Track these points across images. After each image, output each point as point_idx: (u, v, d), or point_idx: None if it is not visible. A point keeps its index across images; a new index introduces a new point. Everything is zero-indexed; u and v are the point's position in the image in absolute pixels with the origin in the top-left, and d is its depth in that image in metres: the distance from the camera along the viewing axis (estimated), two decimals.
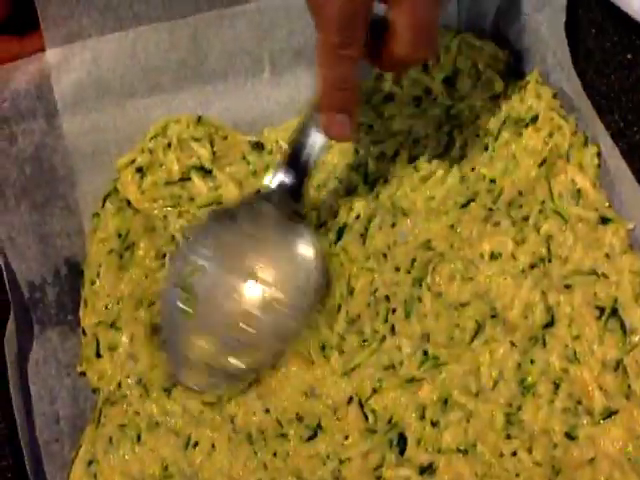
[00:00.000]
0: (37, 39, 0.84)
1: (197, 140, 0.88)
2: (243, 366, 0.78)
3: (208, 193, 0.87)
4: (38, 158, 0.86)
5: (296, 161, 0.79)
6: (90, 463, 0.78)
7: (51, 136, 0.86)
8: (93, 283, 0.84)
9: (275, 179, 0.80)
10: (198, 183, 0.87)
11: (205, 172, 0.88)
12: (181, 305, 0.78)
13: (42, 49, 0.84)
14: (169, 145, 0.87)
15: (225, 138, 0.89)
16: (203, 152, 0.88)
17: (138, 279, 0.83)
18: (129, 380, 0.80)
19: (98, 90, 0.87)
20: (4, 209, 0.84)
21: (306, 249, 0.80)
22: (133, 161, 0.88)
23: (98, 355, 0.81)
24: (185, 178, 0.88)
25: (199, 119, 0.89)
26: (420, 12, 0.70)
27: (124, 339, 0.81)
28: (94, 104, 0.87)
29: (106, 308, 0.82)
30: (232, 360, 0.77)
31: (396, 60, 0.72)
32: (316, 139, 0.78)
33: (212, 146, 0.89)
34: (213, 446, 0.78)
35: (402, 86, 0.92)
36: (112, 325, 0.82)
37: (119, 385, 0.80)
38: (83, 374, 0.81)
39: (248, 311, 0.77)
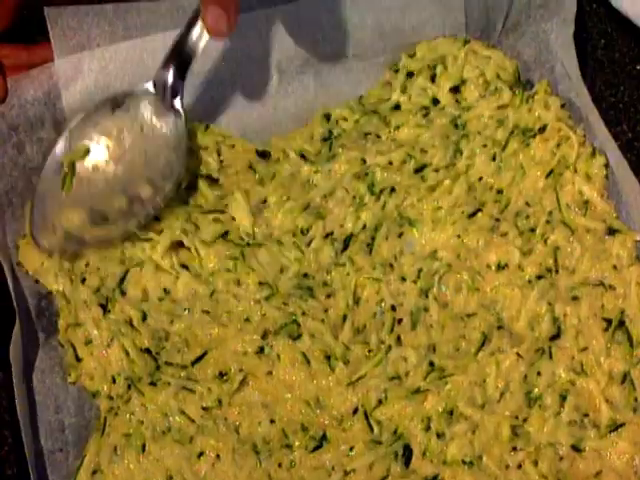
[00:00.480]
0: (45, 48, 0.84)
1: (204, 149, 0.88)
2: (99, 237, 0.82)
3: (214, 201, 0.87)
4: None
5: (177, 57, 0.81)
6: (94, 473, 0.78)
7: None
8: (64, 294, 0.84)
9: (157, 73, 0.82)
10: (205, 191, 0.87)
11: (212, 180, 0.88)
12: (60, 180, 0.82)
13: (50, 58, 0.84)
14: None
15: (232, 147, 0.89)
16: (210, 161, 0.88)
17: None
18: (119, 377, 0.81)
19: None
20: (11, 217, 0.84)
21: (174, 139, 0.83)
22: None
23: (77, 359, 0.81)
24: (191, 186, 0.87)
25: (206, 127, 0.89)
26: None
27: (89, 328, 0.81)
28: None
29: (70, 312, 0.83)
30: (98, 232, 0.82)
31: None
32: (196, 35, 0.79)
33: (219, 155, 0.89)
34: (218, 456, 0.78)
35: (409, 95, 0.91)
36: (77, 324, 0.82)
37: (113, 380, 0.80)
38: (74, 384, 0.81)
39: (118, 193, 0.82)
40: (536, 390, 0.80)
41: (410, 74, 0.92)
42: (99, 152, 0.82)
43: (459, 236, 0.86)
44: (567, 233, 0.85)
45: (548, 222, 0.86)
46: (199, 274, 0.84)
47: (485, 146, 0.88)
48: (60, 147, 0.82)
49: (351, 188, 0.88)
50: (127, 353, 0.80)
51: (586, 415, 0.79)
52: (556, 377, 0.80)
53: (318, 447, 0.78)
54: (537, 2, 0.90)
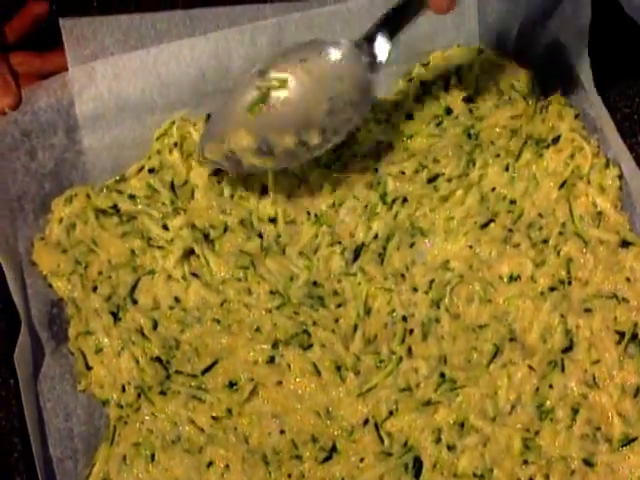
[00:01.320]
0: (59, 57, 0.85)
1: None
2: (256, 166, 0.84)
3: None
4: (57, 174, 0.86)
5: (391, 20, 0.80)
6: None
7: (71, 151, 0.87)
8: (74, 301, 0.84)
9: (367, 31, 0.81)
10: (198, 170, 0.87)
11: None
12: (250, 102, 0.83)
13: (64, 67, 0.85)
14: (175, 145, 0.87)
15: None
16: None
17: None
18: (129, 386, 0.80)
19: (119, 105, 0.87)
20: (23, 224, 0.84)
21: (361, 98, 0.82)
22: (142, 168, 0.88)
23: (88, 367, 0.81)
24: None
25: (208, 117, 0.89)
26: None
27: (100, 336, 0.81)
28: (114, 119, 0.87)
29: (80, 320, 0.83)
30: (255, 161, 0.83)
31: None
32: (416, 5, 0.79)
33: None
34: (227, 466, 0.78)
35: (423, 105, 0.91)
36: (88, 332, 0.82)
37: (123, 389, 0.80)
38: (84, 392, 0.81)
39: (291, 129, 0.83)
40: (548, 403, 0.79)
41: (423, 83, 0.92)
42: (293, 88, 0.83)
43: (471, 247, 0.85)
44: (580, 245, 0.84)
45: (561, 233, 0.85)
46: (210, 283, 0.84)
47: (498, 156, 0.88)
48: (256, 69, 0.84)
49: (362, 197, 0.87)
50: (137, 362, 0.80)
51: (598, 429, 0.78)
52: (568, 390, 0.79)
53: (328, 458, 0.78)
54: (552, 12, 0.90)
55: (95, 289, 0.83)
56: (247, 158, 0.83)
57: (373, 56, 0.81)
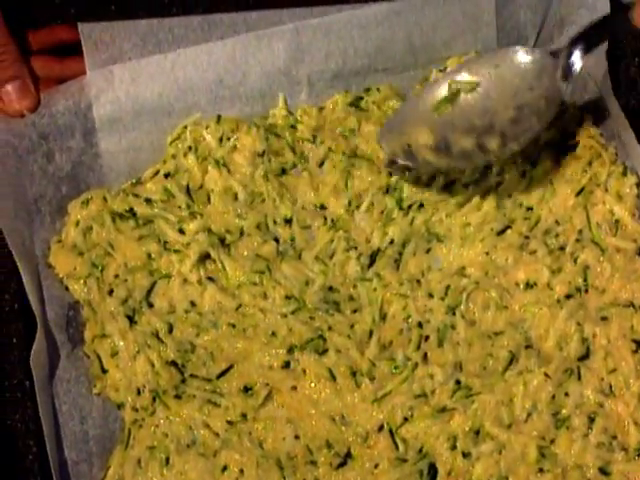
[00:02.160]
0: (77, 61, 0.85)
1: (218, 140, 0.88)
2: (431, 163, 0.84)
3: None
4: (74, 177, 0.86)
5: (592, 34, 0.80)
6: None
7: (88, 154, 0.87)
8: (91, 304, 0.84)
9: (567, 42, 0.81)
10: (213, 174, 0.87)
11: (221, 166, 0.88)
12: (437, 99, 0.84)
13: (82, 71, 0.85)
14: (190, 149, 0.87)
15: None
16: (220, 151, 0.88)
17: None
18: (144, 389, 0.81)
19: (136, 109, 0.87)
20: (40, 226, 0.84)
21: (547, 109, 0.82)
22: (157, 172, 0.88)
23: (103, 370, 0.81)
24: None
25: (219, 119, 0.89)
26: None
27: (116, 339, 0.81)
28: (131, 122, 0.88)
29: (96, 323, 0.83)
30: (431, 158, 0.83)
31: None
32: (619, 23, 0.80)
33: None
34: (242, 471, 0.78)
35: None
36: (104, 335, 0.82)
37: (138, 392, 0.80)
38: (99, 395, 0.81)
39: (471, 132, 0.83)
40: (564, 411, 0.79)
41: None
42: (482, 92, 0.83)
43: (487, 253, 0.85)
44: (597, 252, 0.84)
45: (578, 241, 0.85)
46: (225, 287, 0.84)
47: (515, 163, 0.88)
48: (452, 72, 0.84)
49: (378, 202, 0.87)
50: (152, 365, 0.80)
51: (614, 437, 0.78)
52: (584, 398, 0.79)
53: (343, 464, 0.78)
54: (570, 19, 0.89)
55: (111, 292, 0.83)
56: (423, 154, 0.83)
57: (568, 67, 0.81)
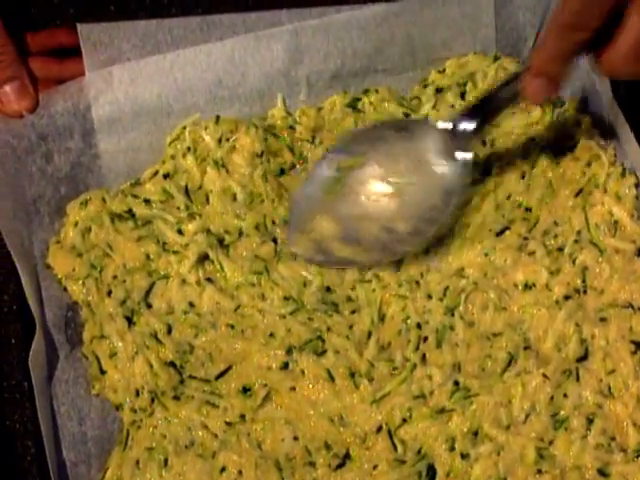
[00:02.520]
0: (76, 62, 0.85)
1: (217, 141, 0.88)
2: (346, 257, 0.83)
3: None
4: (73, 178, 0.86)
5: (484, 109, 0.79)
6: None
7: (87, 155, 0.87)
8: (89, 305, 0.84)
9: (458, 117, 0.80)
10: (212, 175, 0.87)
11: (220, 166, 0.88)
12: (327, 184, 0.83)
13: (81, 72, 0.85)
14: (188, 149, 0.87)
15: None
16: (219, 151, 0.88)
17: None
18: (143, 390, 0.80)
19: (135, 109, 0.87)
20: (38, 227, 0.84)
21: (452, 185, 0.81)
22: (156, 172, 0.88)
23: (102, 371, 0.81)
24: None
25: (217, 119, 0.89)
26: None
27: (114, 341, 0.81)
28: (130, 123, 0.88)
29: (95, 324, 0.83)
30: (340, 248, 0.83)
31: (615, 64, 0.71)
32: (509, 95, 0.78)
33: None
34: (240, 472, 0.78)
35: (438, 111, 0.91)
36: (102, 336, 0.82)
37: (137, 393, 0.80)
38: (97, 396, 0.81)
39: (377, 218, 0.82)
40: (562, 412, 0.79)
41: (439, 90, 0.92)
42: (374, 169, 0.82)
43: (486, 254, 0.85)
44: (596, 253, 0.84)
45: (577, 242, 0.85)
46: (224, 288, 0.84)
47: (514, 164, 0.88)
48: (333, 155, 0.84)
49: None
50: (151, 366, 0.80)
51: (613, 439, 0.78)
52: (583, 399, 0.79)
53: (341, 465, 0.78)
54: None
55: (110, 293, 0.83)
56: (336, 248, 0.83)
57: (457, 142, 0.80)
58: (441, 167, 0.81)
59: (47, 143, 0.86)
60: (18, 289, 0.81)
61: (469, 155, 0.80)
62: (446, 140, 0.80)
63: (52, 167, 0.86)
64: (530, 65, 0.74)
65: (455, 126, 0.80)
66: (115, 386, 0.81)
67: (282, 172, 0.89)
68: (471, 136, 0.80)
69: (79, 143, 0.87)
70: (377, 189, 0.82)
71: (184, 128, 0.88)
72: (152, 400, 0.80)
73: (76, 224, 0.85)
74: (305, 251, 0.84)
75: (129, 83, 0.86)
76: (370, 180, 0.82)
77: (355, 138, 0.84)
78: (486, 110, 0.79)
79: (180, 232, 0.85)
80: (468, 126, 0.79)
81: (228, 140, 0.88)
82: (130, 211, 0.86)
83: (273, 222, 0.87)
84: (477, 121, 0.79)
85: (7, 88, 0.84)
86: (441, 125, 0.80)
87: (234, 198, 0.87)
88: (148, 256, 0.84)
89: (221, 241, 0.85)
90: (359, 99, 0.91)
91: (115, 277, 0.83)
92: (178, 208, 0.86)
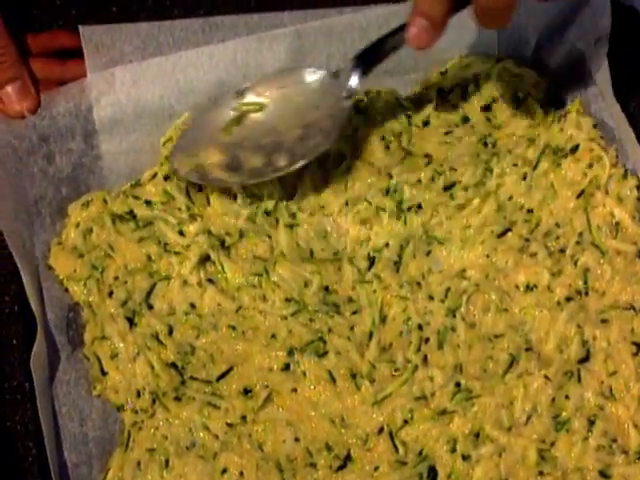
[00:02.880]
0: (78, 64, 0.85)
1: None
2: (222, 181, 0.85)
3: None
4: (75, 179, 0.86)
5: (369, 54, 0.82)
6: None
7: (89, 156, 0.87)
8: (91, 306, 0.84)
9: (345, 63, 0.83)
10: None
11: None
12: (227, 122, 0.86)
13: (83, 74, 0.85)
14: None
15: None
16: None
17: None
18: (144, 392, 0.81)
19: (136, 111, 0.87)
20: (40, 228, 0.84)
21: (332, 124, 0.84)
22: (155, 174, 0.88)
23: (103, 372, 0.81)
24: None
25: None
26: None
27: (116, 341, 0.81)
28: (132, 124, 0.88)
29: (96, 325, 0.83)
30: (222, 176, 0.85)
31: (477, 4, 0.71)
32: (396, 41, 0.80)
33: None
34: (242, 473, 0.78)
35: (440, 112, 0.91)
36: (104, 337, 0.82)
37: (138, 394, 0.80)
38: (99, 397, 0.81)
39: (259, 150, 0.85)
40: (564, 414, 0.79)
41: (441, 91, 0.92)
42: (269, 112, 0.86)
43: (488, 256, 0.85)
44: (597, 255, 0.84)
45: (578, 243, 0.85)
46: (225, 289, 0.84)
47: (516, 165, 0.88)
48: (236, 91, 0.86)
49: (378, 204, 0.87)
50: (152, 367, 0.80)
51: (614, 440, 0.78)
52: (584, 401, 0.79)
53: (342, 467, 0.78)
54: (571, 20, 0.89)
55: (111, 294, 0.83)
56: (214, 172, 0.85)
57: (348, 87, 0.83)
58: (325, 105, 0.85)
59: (49, 144, 0.86)
60: (19, 290, 0.81)
61: (350, 94, 0.84)
62: (333, 83, 0.84)
63: (53, 168, 0.86)
64: (414, 7, 0.75)
65: (340, 70, 0.84)
66: (116, 387, 0.81)
67: None
68: (358, 81, 0.83)
69: (81, 144, 0.87)
70: (263, 127, 0.86)
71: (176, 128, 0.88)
72: (153, 401, 0.80)
73: (77, 225, 0.85)
74: (183, 169, 0.85)
75: (131, 84, 0.86)
76: (259, 121, 0.86)
77: (258, 83, 0.87)
78: (373, 58, 0.83)
79: (181, 233, 0.85)
80: (353, 71, 0.83)
81: None
82: (131, 212, 0.86)
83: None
84: (363, 68, 0.83)
85: (9, 89, 0.84)
86: (335, 72, 0.85)
87: (234, 199, 0.87)
88: (149, 257, 0.84)
89: (222, 242, 0.85)
90: (361, 100, 0.91)
91: (116, 278, 0.83)
92: (179, 209, 0.86)
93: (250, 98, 0.86)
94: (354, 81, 0.83)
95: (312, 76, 0.85)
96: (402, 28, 0.77)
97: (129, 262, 0.84)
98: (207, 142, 0.86)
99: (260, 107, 0.86)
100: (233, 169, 0.85)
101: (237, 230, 0.86)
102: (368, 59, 0.83)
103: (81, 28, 0.84)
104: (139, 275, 0.83)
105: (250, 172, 0.84)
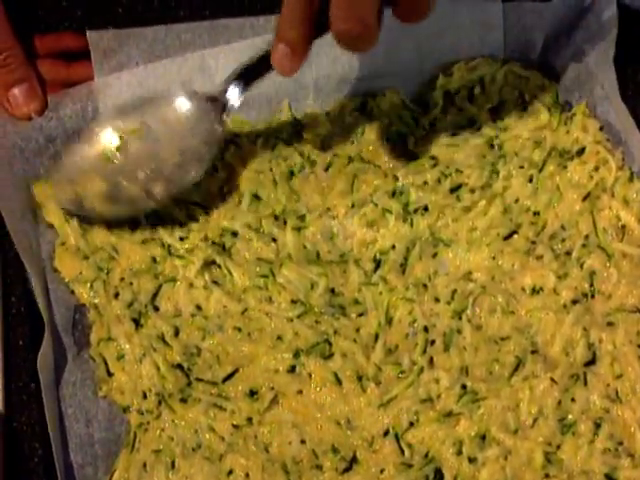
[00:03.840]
0: (85, 66, 0.86)
1: None
2: (101, 213, 0.83)
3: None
4: None
5: (240, 77, 0.80)
6: None
7: None
8: (97, 307, 0.84)
9: (218, 87, 0.81)
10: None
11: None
12: (108, 150, 0.82)
13: (90, 76, 0.86)
14: None
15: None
16: None
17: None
18: (150, 393, 0.80)
19: None
20: (46, 229, 0.84)
21: (204, 148, 0.83)
22: None
23: (109, 373, 0.81)
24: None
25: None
26: None
27: (122, 343, 0.81)
28: None
29: (102, 326, 0.83)
30: (99, 206, 0.82)
31: (333, 33, 0.70)
32: (264, 65, 0.77)
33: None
34: (247, 475, 0.78)
35: (446, 115, 0.91)
36: (110, 339, 0.82)
37: (144, 396, 0.80)
38: (105, 398, 0.81)
39: (135, 177, 0.82)
40: (570, 417, 0.79)
41: (447, 93, 0.92)
42: (148, 137, 0.83)
43: (494, 258, 0.85)
44: (603, 258, 0.84)
45: (584, 246, 0.85)
46: (231, 291, 0.84)
47: (522, 167, 0.88)
48: (108, 116, 0.84)
49: (384, 206, 0.87)
50: (158, 369, 0.80)
51: (620, 443, 0.78)
52: (590, 404, 0.79)
53: (348, 469, 0.78)
54: (578, 23, 0.89)
55: (117, 295, 0.83)
56: (92, 202, 0.83)
57: (224, 108, 0.82)
58: (209, 127, 0.83)
59: (55, 145, 0.86)
60: (25, 291, 0.81)
61: (224, 116, 0.82)
62: (208, 107, 0.82)
63: None
64: (276, 32, 0.73)
65: (221, 94, 0.81)
66: (122, 388, 0.81)
67: (292, 174, 0.89)
68: (232, 104, 0.82)
69: None
70: (140, 153, 0.83)
71: None
72: (159, 402, 0.80)
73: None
74: (61, 198, 0.83)
75: (137, 86, 0.86)
76: (137, 146, 0.83)
77: (136, 105, 0.84)
78: (244, 78, 0.80)
79: (182, 239, 0.85)
80: (231, 96, 0.81)
81: (233, 142, 0.88)
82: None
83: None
84: (238, 91, 0.81)
85: (16, 90, 0.84)
86: (208, 95, 0.82)
87: (239, 202, 0.87)
88: (154, 259, 0.84)
89: (223, 246, 0.85)
90: (367, 103, 0.91)
91: (122, 279, 0.83)
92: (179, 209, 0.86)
93: (130, 120, 0.83)
94: (231, 102, 0.81)
95: (188, 102, 0.83)
96: (267, 53, 0.76)
97: (134, 264, 0.84)
98: (88, 170, 0.83)
99: (140, 131, 0.83)
100: (111, 198, 0.83)
101: (236, 232, 0.86)
102: (245, 78, 0.81)
103: (88, 33, 0.85)
104: (144, 277, 0.83)
105: (126, 202, 0.83)
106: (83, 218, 0.84)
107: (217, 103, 0.82)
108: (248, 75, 0.80)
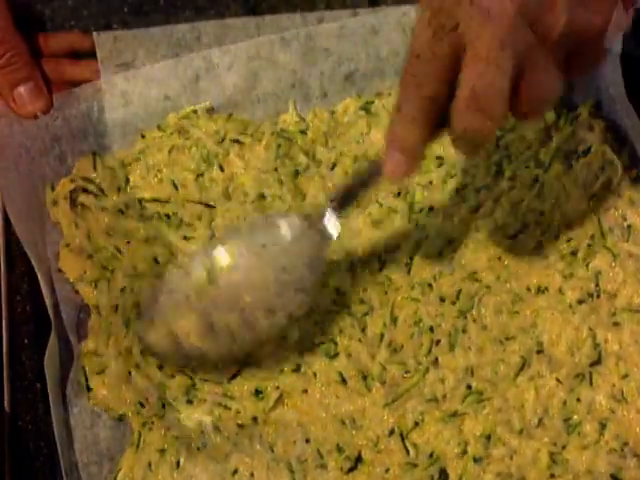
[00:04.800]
0: (91, 66, 0.86)
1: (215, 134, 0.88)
2: (201, 350, 0.78)
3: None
4: None
5: (345, 193, 0.76)
6: None
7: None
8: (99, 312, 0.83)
9: (325, 212, 0.76)
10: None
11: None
12: (197, 284, 0.77)
13: (95, 76, 0.86)
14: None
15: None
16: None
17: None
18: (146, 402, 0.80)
19: (148, 112, 0.87)
20: (51, 229, 0.84)
21: (310, 275, 0.77)
22: None
23: (88, 388, 0.79)
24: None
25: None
26: (478, 79, 0.60)
27: (107, 357, 0.80)
28: (144, 126, 0.88)
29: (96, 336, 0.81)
30: (197, 341, 0.77)
31: (453, 117, 0.63)
32: (372, 174, 0.73)
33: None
34: (252, 474, 0.77)
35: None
36: (95, 353, 0.80)
37: (141, 405, 0.79)
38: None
39: (233, 307, 0.77)
40: (575, 417, 0.78)
41: None
42: (242, 268, 0.77)
43: (500, 258, 0.85)
44: (609, 258, 0.84)
45: (590, 246, 0.85)
46: None
47: (527, 167, 0.88)
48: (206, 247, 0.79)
49: (390, 206, 0.87)
50: (158, 373, 0.80)
51: (626, 444, 0.77)
52: (596, 404, 0.79)
53: (353, 468, 0.78)
54: None
55: (116, 308, 0.82)
56: (188, 340, 0.77)
57: (325, 233, 0.76)
58: (310, 250, 0.77)
59: (61, 145, 0.86)
60: (31, 290, 0.82)
61: (329, 239, 0.77)
62: (315, 230, 0.76)
63: (65, 169, 0.86)
64: (388, 137, 0.67)
65: (321, 215, 0.76)
66: (106, 403, 0.79)
67: (297, 173, 0.89)
68: (337, 227, 0.76)
69: (93, 145, 0.87)
70: (244, 287, 0.77)
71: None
72: (163, 406, 0.80)
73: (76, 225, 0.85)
74: (156, 341, 0.78)
75: (143, 86, 0.87)
76: (238, 279, 0.77)
77: (227, 237, 0.79)
78: (349, 193, 0.75)
79: (186, 239, 0.85)
80: (332, 214, 0.76)
81: (238, 141, 0.88)
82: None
83: None
84: (340, 207, 0.76)
85: (21, 89, 0.84)
86: (309, 221, 0.77)
87: (244, 201, 0.87)
88: (156, 260, 0.84)
89: None
90: (372, 102, 0.91)
91: (123, 290, 0.82)
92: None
93: (221, 253, 0.77)
94: (329, 226, 0.75)
95: (286, 225, 0.76)
96: (375, 164, 0.72)
97: (137, 263, 0.84)
98: (180, 307, 0.77)
99: (232, 263, 0.77)
100: (206, 334, 0.77)
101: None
102: (343, 200, 0.75)
103: (95, 34, 0.85)
104: (147, 281, 0.83)
105: (224, 336, 0.77)
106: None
107: (315, 224, 0.76)
108: (348, 195, 0.75)
